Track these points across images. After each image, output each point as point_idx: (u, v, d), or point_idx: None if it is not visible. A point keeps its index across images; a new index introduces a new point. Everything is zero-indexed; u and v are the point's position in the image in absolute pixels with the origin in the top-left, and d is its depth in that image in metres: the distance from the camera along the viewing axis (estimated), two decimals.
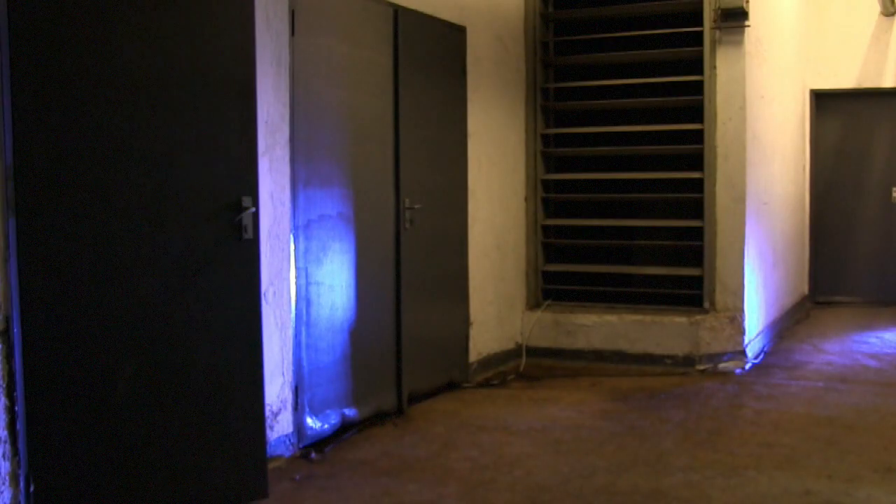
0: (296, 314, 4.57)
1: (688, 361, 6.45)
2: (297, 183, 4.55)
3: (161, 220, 3.52)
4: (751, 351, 6.59)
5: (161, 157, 3.51)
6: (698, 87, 6.57)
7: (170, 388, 3.57)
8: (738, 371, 6.30)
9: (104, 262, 3.38)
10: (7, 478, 3.18)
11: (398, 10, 5.28)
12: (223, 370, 3.73)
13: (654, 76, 6.79)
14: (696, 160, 6.64)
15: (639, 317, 6.65)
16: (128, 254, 3.44)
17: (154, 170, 3.50)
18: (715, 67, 6.48)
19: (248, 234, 3.75)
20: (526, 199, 6.98)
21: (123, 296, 3.43)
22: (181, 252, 3.58)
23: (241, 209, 3.72)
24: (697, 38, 6.55)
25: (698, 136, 6.60)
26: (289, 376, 4.52)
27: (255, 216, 3.77)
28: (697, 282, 6.65)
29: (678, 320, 6.53)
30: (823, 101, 9.53)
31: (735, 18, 6.35)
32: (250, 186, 3.77)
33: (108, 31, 3.37)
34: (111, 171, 3.39)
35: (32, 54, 3.19)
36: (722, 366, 6.39)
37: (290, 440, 4.52)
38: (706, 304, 6.57)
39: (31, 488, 3.22)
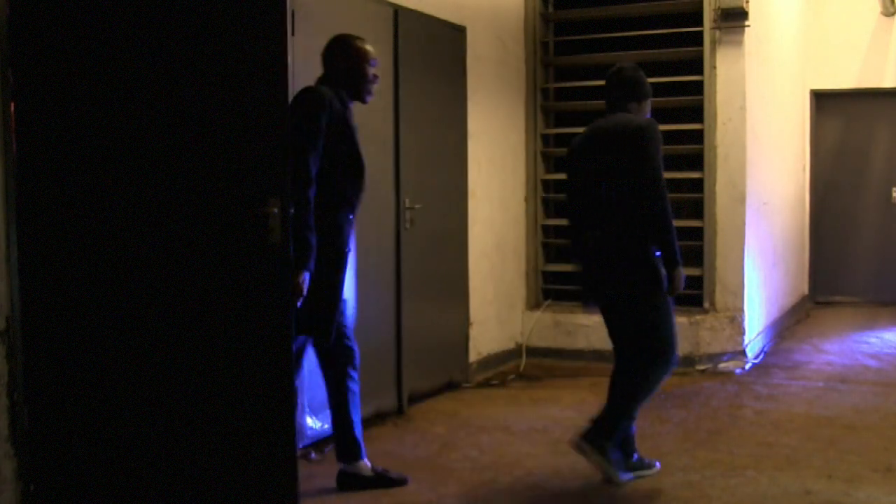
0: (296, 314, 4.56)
1: (688, 361, 6.45)
2: None
3: (173, 220, 3.31)
4: (751, 351, 6.59)
5: (176, 154, 3.29)
6: (698, 87, 6.56)
7: (183, 395, 3.37)
8: (738, 371, 6.30)
9: (110, 262, 3.29)
10: (7, 478, 3.18)
11: (398, 10, 5.28)
12: (242, 378, 3.42)
13: (653, 76, 6.73)
14: (696, 160, 6.64)
15: None
16: (141, 255, 3.28)
17: (167, 167, 3.29)
18: (715, 67, 6.48)
19: (276, 238, 3.37)
20: (526, 199, 6.98)
21: (133, 297, 3.29)
22: (201, 253, 3.34)
23: (266, 210, 3.35)
24: (697, 38, 6.55)
25: (698, 136, 6.59)
26: None
27: (285, 218, 3.36)
28: (697, 282, 6.64)
29: (678, 320, 6.47)
30: (823, 101, 9.53)
31: (735, 18, 6.35)
32: (279, 186, 3.37)
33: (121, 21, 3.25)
34: (120, 170, 3.25)
35: (34, 51, 3.18)
36: (722, 366, 6.39)
37: None
38: (706, 304, 6.56)
39: (31, 488, 3.22)
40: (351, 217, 3.91)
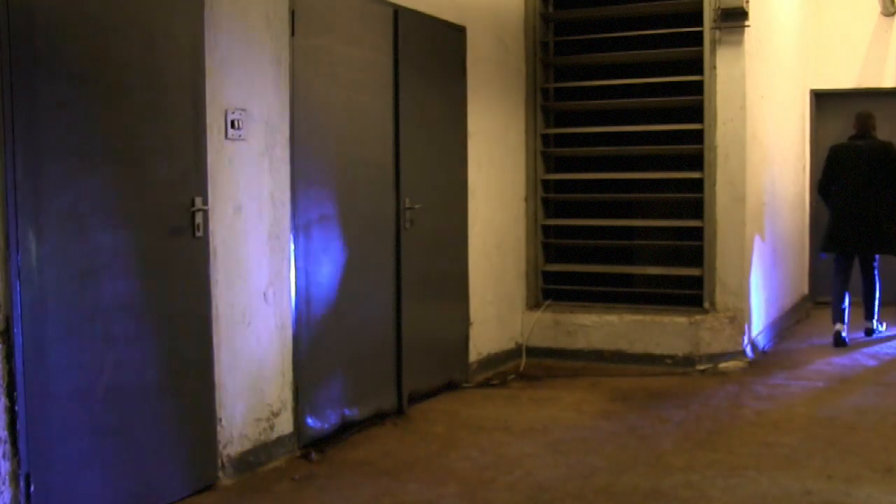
0: (296, 314, 4.57)
1: (688, 361, 6.45)
2: (297, 183, 4.55)
3: (131, 218, 3.65)
4: (751, 351, 6.59)
5: (130, 159, 3.66)
6: (698, 87, 6.56)
7: (140, 381, 3.68)
8: (738, 371, 6.29)
9: (90, 260, 3.47)
10: (7, 478, 3.18)
11: (398, 10, 5.28)
12: (179, 362, 3.86)
13: (654, 76, 6.78)
14: (696, 160, 6.64)
15: (639, 317, 6.64)
16: (108, 252, 3.56)
17: (127, 171, 3.64)
18: (715, 67, 6.48)
19: (200, 233, 3.91)
20: (526, 199, 6.98)
21: (105, 292, 3.53)
22: (147, 249, 3.72)
23: (193, 209, 3.89)
24: (697, 38, 6.55)
25: (698, 136, 6.59)
26: (289, 376, 4.52)
27: (206, 215, 3.95)
28: (697, 282, 6.65)
29: (678, 320, 6.53)
30: (823, 101, 9.52)
31: (735, 18, 6.35)
32: (201, 187, 3.93)
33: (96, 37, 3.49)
34: (97, 173, 3.51)
35: (36, 70, 3.23)
36: (722, 366, 6.39)
37: (290, 440, 4.52)
38: (706, 304, 6.56)
39: (31, 488, 3.22)
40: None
